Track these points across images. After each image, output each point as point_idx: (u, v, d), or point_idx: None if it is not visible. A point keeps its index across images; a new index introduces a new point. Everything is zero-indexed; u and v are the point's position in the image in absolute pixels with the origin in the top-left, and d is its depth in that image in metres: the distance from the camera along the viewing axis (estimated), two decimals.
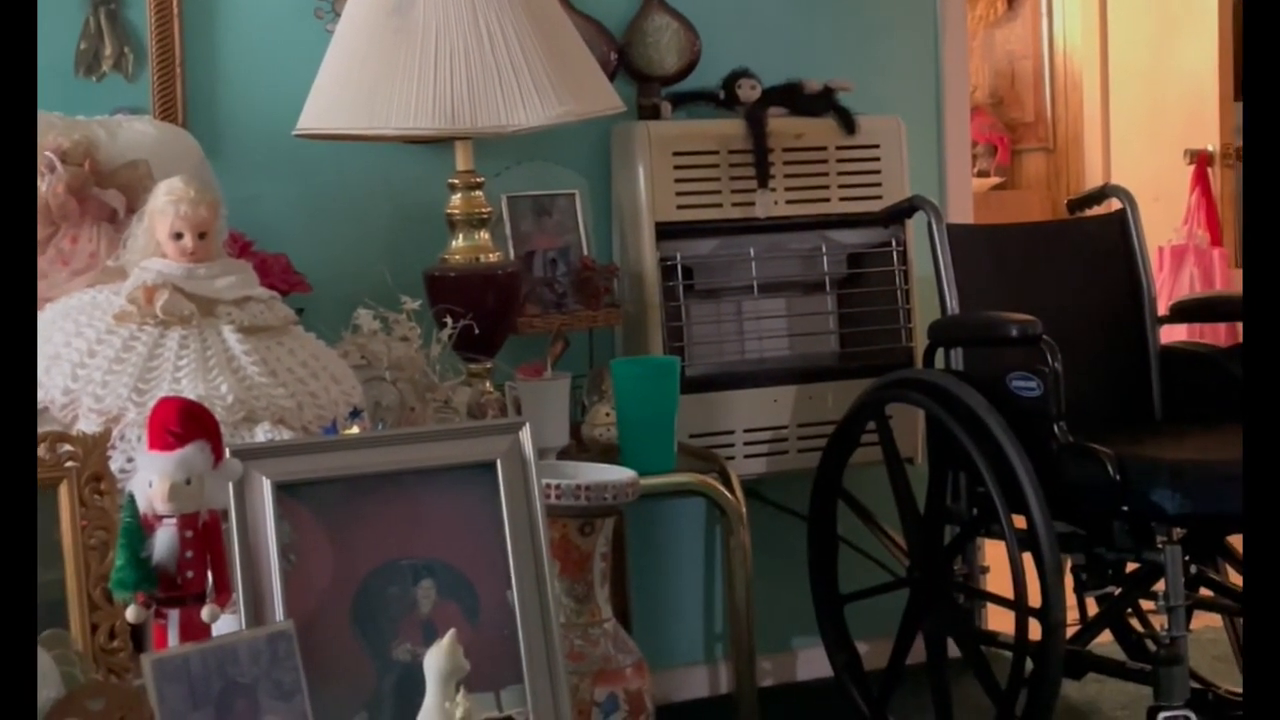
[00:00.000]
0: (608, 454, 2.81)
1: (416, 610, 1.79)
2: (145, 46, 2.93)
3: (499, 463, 1.86)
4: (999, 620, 3.22)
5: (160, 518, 1.65)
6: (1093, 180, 5.32)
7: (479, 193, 2.83)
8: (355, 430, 2.06)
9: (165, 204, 2.17)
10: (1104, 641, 3.12)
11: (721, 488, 2.79)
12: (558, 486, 2.11)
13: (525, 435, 1.89)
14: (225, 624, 1.71)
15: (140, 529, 1.64)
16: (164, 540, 1.65)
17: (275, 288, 2.55)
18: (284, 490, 1.77)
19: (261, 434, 2.06)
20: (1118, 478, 2.60)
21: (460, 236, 2.83)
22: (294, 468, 1.79)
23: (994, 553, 2.95)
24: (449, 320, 2.66)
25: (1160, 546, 2.62)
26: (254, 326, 2.18)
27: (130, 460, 1.95)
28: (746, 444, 3.20)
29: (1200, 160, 4.79)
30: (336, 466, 1.81)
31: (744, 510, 2.80)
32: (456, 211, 2.82)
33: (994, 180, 5.98)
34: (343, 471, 1.81)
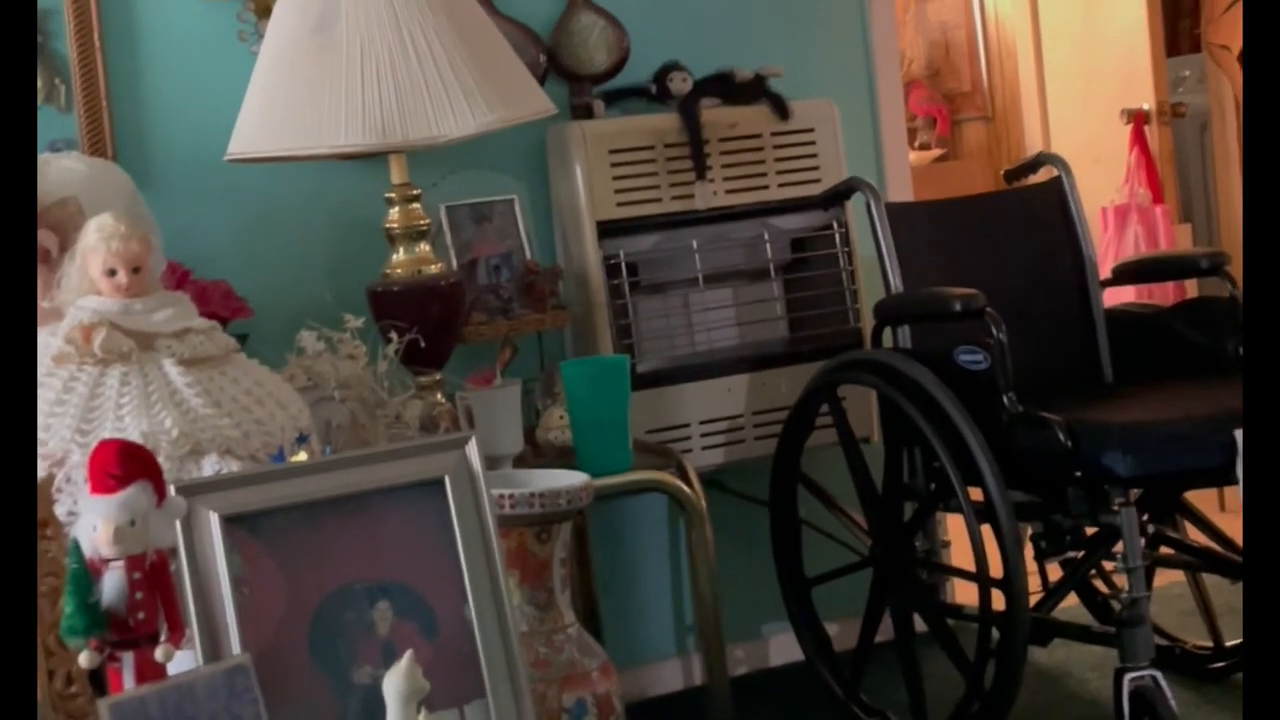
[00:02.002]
0: (564, 457, 2.81)
1: (374, 632, 1.79)
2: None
3: (447, 478, 1.86)
4: (964, 593, 3.25)
5: (107, 561, 1.65)
6: (1033, 146, 5.33)
7: (417, 205, 2.83)
8: (302, 456, 2.05)
9: (97, 241, 2.16)
10: (1071, 605, 3.15)
11: (680, 482, 2.80)
12: (511, 496, 2.12)
13: (473, 448, 1.89)
14: (182, 661, 1.70)
15: (87, 574, 1.63)
16: (112, 584, 1.64)
17: (217, 315, 2.54)
18: (232, 523, 1.76)
19: (209, 466, 2.05)
20: (1069, 444, 2.62)
21: (401, 250, 2.82)
22: (241, 499, 1.78)
23: (955, 526, 2.97)
24: (395, 335, 2.66)
25: (1116, 509, 2.64)
26: (195, 358, 2.17)
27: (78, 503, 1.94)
28: (703, 435, 3.21)
29: (1137, 119, 4.81)
30: (284, 495, 1.80)
31: (704, 503, 2.81)
32: (395, 225, 2.82)
33: (936, 152, 6.00)
34: (291, 499, 1.80)
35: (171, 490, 1.71)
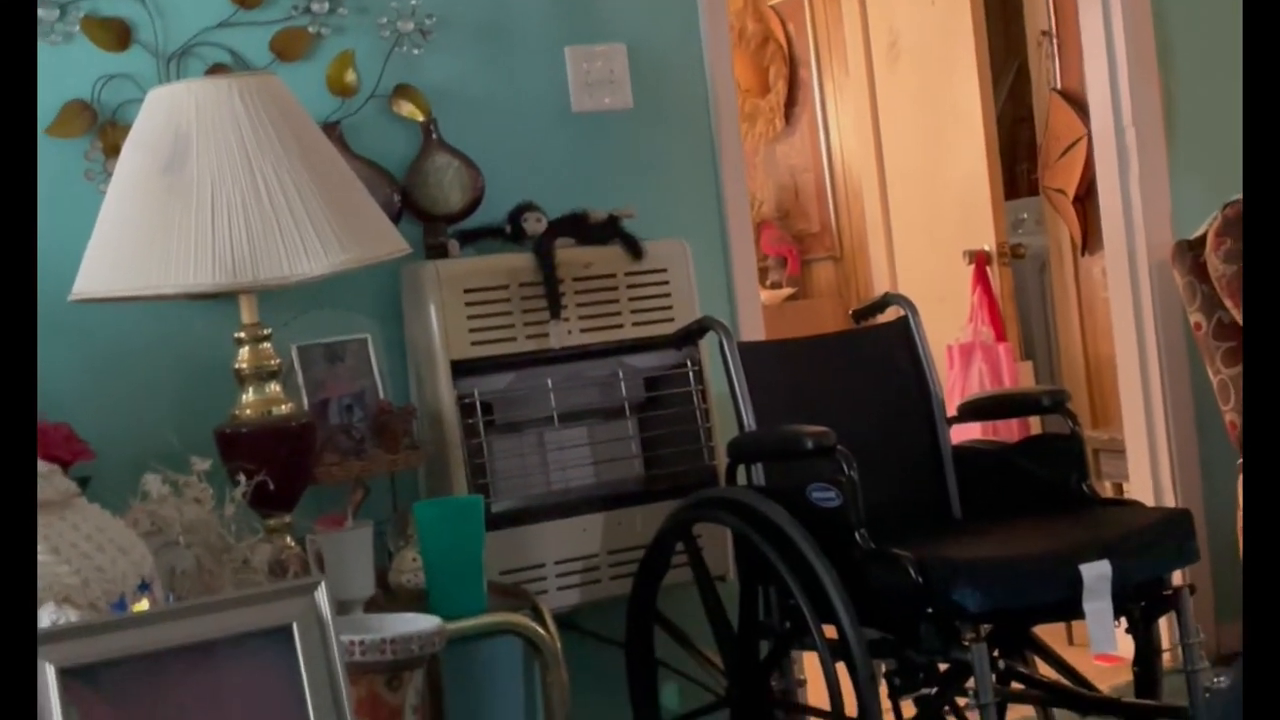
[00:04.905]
0: (417, 600, 2.77)
1: None
2: None
3: (295, 625, 1.81)
4: None
5: None
6: (880, 284, 5.48)
7: (267, 344, 2.79)
8: (145, 604, 1.99)
9: None
10: None
11: (534, 624, 2.77)
12: (361, 642, 2.07)
13: (322, 593, 1.85)
14: None
15: None
16: None
17: (57, 458, 2.47)
18: (70, 675, 1.69)
19: (46, 616, 1.98)
20: (919, 580, 2.65)
21: (250, 390, 2.78)
22: (80, 651, 1.71)
23: (810, 665, 2.98)
24: (243, 477, 2.60)
25: (967, 644, 2.67)
26: None
27: None
28: (559, 575, 3.19)
29: (979, 260, 4.97)
30: (125, 646, 1.74)
31: (558, 645, 2.78)
32: (245, 365, 2.77)
33: (787, 291, 6.12)
34: (132, 650, 1.74)
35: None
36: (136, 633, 1.76)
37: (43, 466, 2.17)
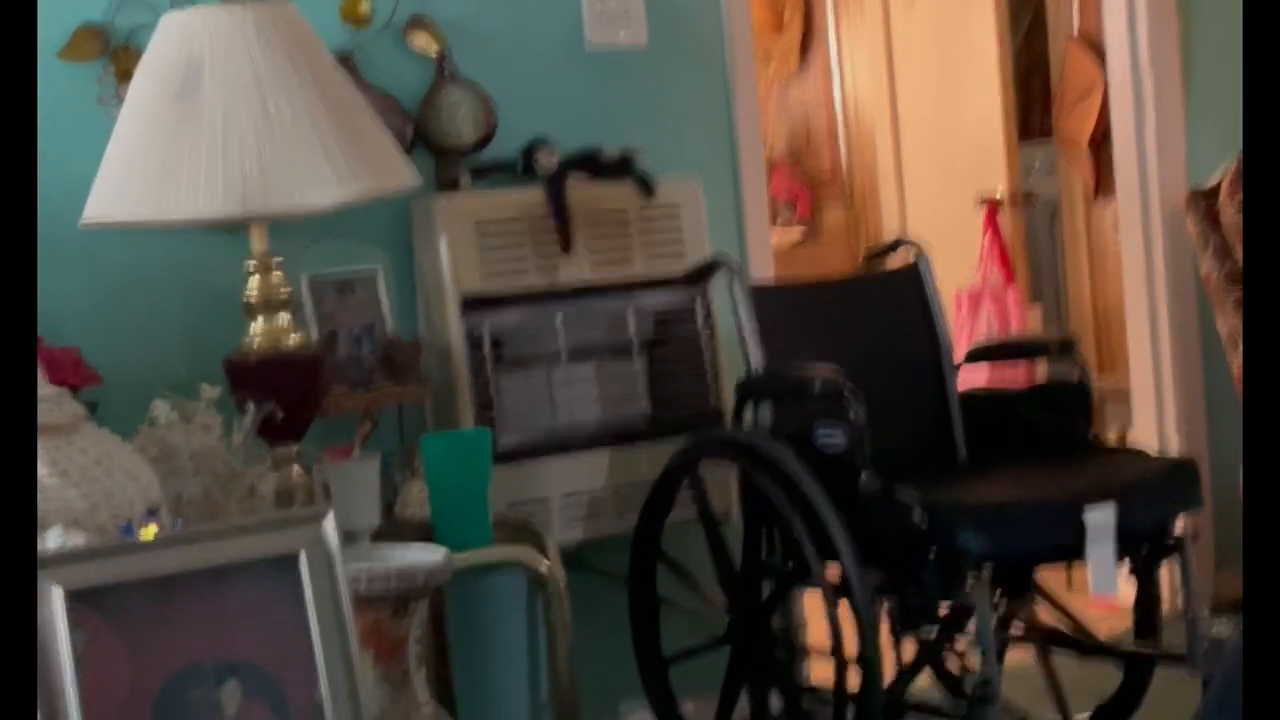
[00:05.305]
0: (422, 532, 2.78)
1: (221, 713, 1.73)
2: None
3: (302, 555, 1.82)
4: (822, 672, 3.26)
5: None
6: (890, 229, 5.46)
7: (277, 275, 2.78)
8: (152, 529, 2.00)
9: None
10: (926, 684, 3.19)
11: (539, 559, 2.78)
12: (367, 572, 2.08)
13: (328, 524, 1.85)
14: None
15: None
16: None
17: (66, 383, 2.48)
18: (77, 598, 1.70)
19: (54, 538, 1.99)
20: (923, 522, 2.66)
21: (260, 320, 2.77)
22: (87, 574, 1.72)
23: (812, 605, 2.99)
24: (251, 407, 2.61)
25: (969, 587, 2.68)
26: (42, 426, 2.10)
27: None
28: (564, 511, 3.20)
29: (990, 205, 4.95)
30: (132, 570, 1.75)
31: (562, 580, 2.79)
32: (254, 295, 2.77)
33: (796, 234, 6.10)
34: (139, 575, 1.75)
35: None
36: (144, 557, 1.76)
37: (51, 390, 2.17)
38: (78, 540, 1.97)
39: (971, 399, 3.26)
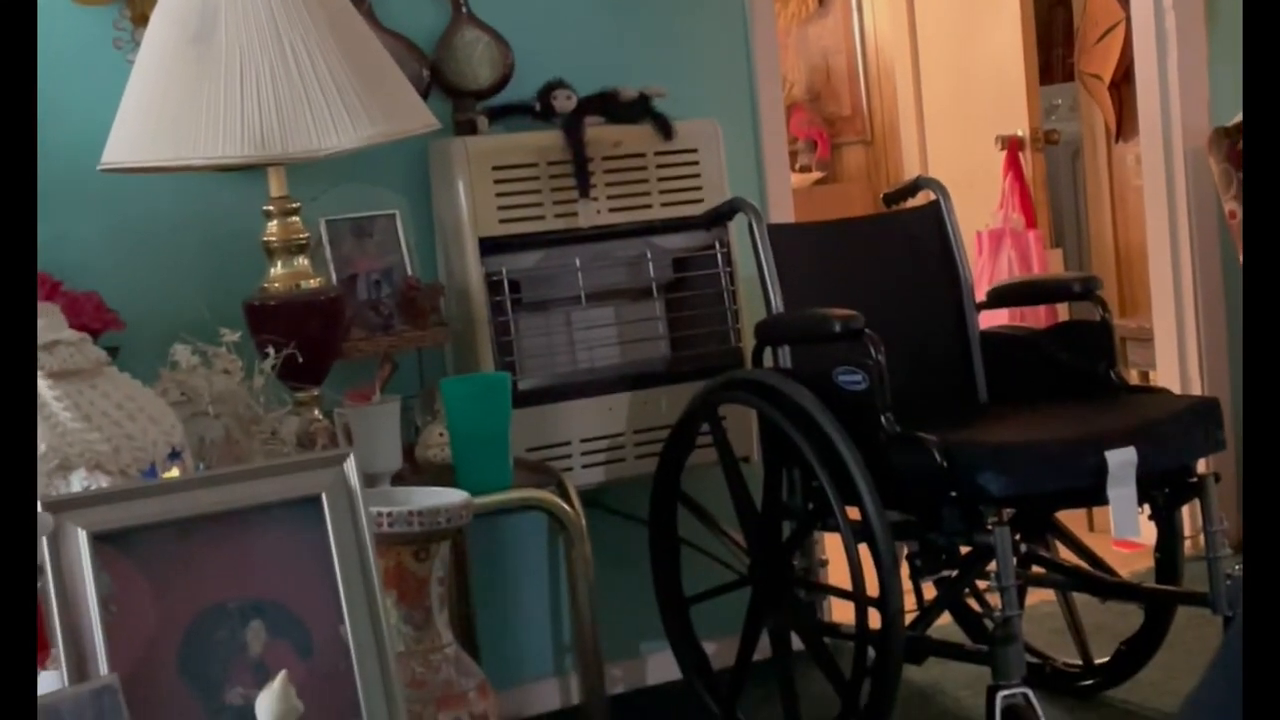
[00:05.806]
0: (443, 475, 2.79)
1: (246, 652, 1.75)
2: None
3: (324, 496, 1.83)
4: (841, 612, 3.28)
5: None
6: (911, 170, 5.43)
7: (296, 218, 2.79)
8: (175, 472, 2.01)
9: None
10: (945, 624, 3.19)
11: (560, 501, 2.79)
12: (389, 514, 2.09)
13: (350, 465, 1.86)
14: (47, 681, 1.65)
15: None
16: None
17: (87, 327, 2.48)
18: (101, 540, 1.72)
19: (77, 481, 2.00)
20: (944, 464, 2.66)
21: (279, 264, 2.78)
22: (111, 516, 1.74)
23: (832, 546, 3.00)
24: (272, 350, 2.61)
25: (989, 528, 2.68)
26: (64, 370, 2.11)
27: None
28: (584, 454, 3.20)
29: (1011, 145, 4.91)
30: (155, 512, 1.76)
31: (583, 522, 2.80)
32: (273, 238, 2.78)
33: (816, 175, 6.07)
34: (162, 517, 1.76)
35: (38, 506, 1.66)
36: (168, 499, 1.78)
37: (73, 335, 2.18)
38: (101, 483, 1.98)
39: (992, 339, 3.25)
